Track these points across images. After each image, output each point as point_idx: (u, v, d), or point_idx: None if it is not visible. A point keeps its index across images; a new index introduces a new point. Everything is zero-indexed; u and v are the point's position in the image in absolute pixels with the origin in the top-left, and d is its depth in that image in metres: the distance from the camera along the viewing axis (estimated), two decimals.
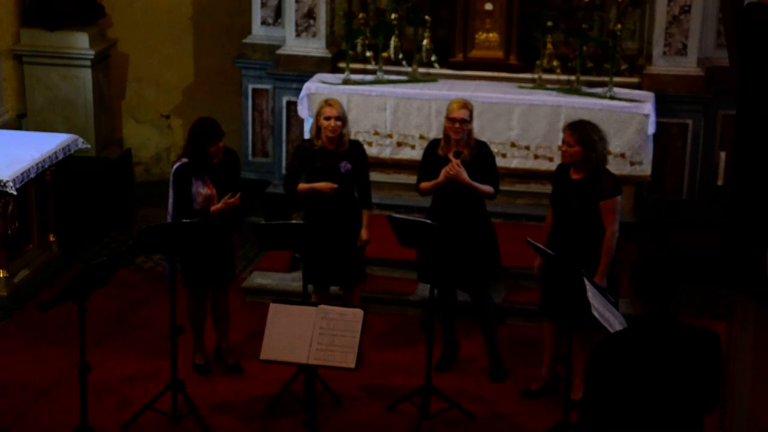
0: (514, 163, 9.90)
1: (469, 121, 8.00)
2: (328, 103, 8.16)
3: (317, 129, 8.16)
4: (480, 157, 8.06)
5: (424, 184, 8.17)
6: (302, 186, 8.19)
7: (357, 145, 8.35)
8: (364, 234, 8.24)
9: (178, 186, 8.00)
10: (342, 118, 8.13)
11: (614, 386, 5.16)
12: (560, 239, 7.71)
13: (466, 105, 8.04)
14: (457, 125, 7.97)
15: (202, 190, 7.97)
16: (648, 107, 9.85)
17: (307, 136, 10.17)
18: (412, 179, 10.25)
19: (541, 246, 7.46)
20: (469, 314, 8.51)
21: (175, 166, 8.07)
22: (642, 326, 5.23)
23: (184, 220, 7.76)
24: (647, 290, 5.21)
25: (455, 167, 7.90)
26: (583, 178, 7.67)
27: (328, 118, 8.08)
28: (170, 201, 8.05)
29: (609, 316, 6.30)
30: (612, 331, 5.91)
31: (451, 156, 7.99)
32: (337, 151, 8.13)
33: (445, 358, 8.43)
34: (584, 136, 7.62)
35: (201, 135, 7.95)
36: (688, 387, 5.18)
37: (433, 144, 8.23)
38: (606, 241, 7.62)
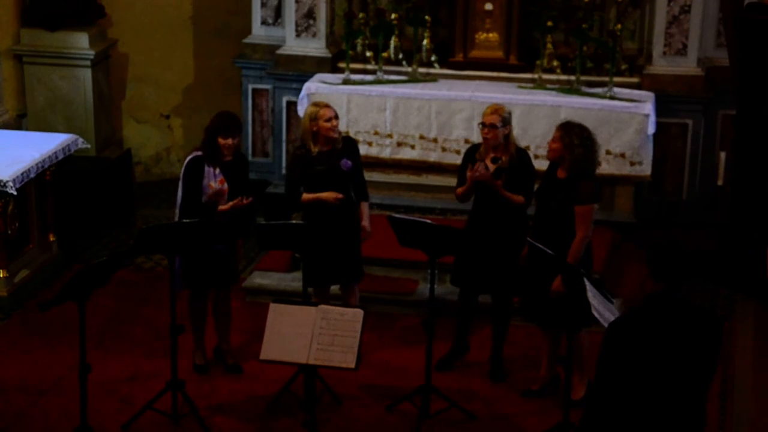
0: None
1: (499, 126, 8.00)
2: (320, 105, 8.14)
3: (313, 134, 8.12)
4: (519, 165, 8.05)
5: (459, 189, 8.17)
6: (306, 196, 8.13)
7: (349, 141, 8.37)
8: (367, 225, 8.25)
9: (188, 178, 8.00)
10: (337, 116, 8.15)
11: (623, 363, 5.32)
12: (538, 236, 7.70)
13: (497, 110, 8.03)
14: (486, 130, 7.99)
15: (213, 183, 7.98)
16: (648, 107, 9.85)
17: None
18: (412, 179, 10.34)
19: (541, 246, 7.46)
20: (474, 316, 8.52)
21: (187, 158, 8.07)
22: (652, 305, 5.38)
23: (185, 220, 7.77)
24: (661, 269, 5.37)
25: (479, 170, 7.90)
26: (565, 179, 7.70)
27: (329, 120, 8.06)
28: (179, 194, 8.05)
29: (609, 317, 6.30)
30: None
31: (488, 162, 8.00)
32: (334, 151, 8.13)
33: (449, 358, 8.42)
34: (565, 135, 7.66)
35: (217, 126, 7.98)
36: (691, 363, 5.34)
37: (473, 149, 8.24)
38: (573, 245, 7.62)
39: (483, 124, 8.03)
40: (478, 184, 7.99)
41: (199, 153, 8.03)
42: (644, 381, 5.32)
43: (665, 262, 5.37)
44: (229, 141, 7.98)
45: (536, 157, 9.99)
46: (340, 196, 8.05)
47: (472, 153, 8.19)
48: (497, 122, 8.00)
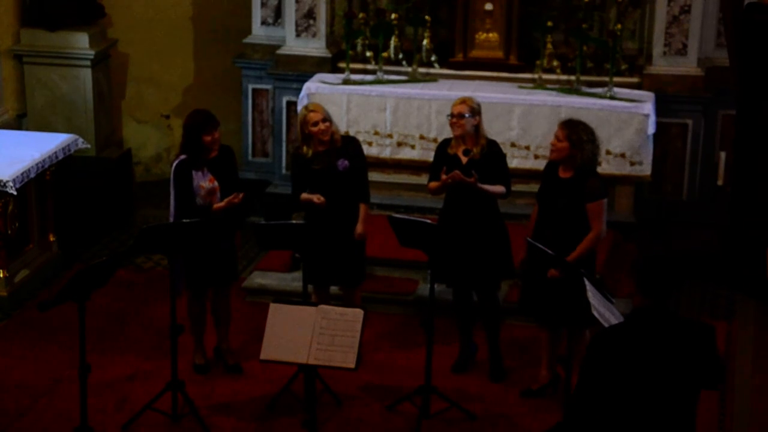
0: (514, 163, 9.90)
1: (467, 116, 8.00)
2: (309, 109, 8.14)
3: (304, 137, 8.12)
4: (490, 156, 8.06)
5: (433, 184, 8.17)
6: (304, 196, 8.17)
7: (352, 141, 8.35)
8: (359, 227, 8.20)
9: (178, 183, 8.00)
10: (327, 118, 8.11)
11: (607, 375, 5.28)
12: (545, 237, 7.69)
13: (465, 101, 8.06)
14: (454, 120, 8.00)
15: (203, 183, 7.98)
16: (648, 107, 9.85)
17: None
18: (412, 179, 10.34)
19: (541, 246, 7.46)
20: (473, 314, 8.51)
21: (174, 164, 8.07)
22: (638, 318, 5.36)
23: (185, 220, 7.77)
24: (648, 283, 5.34)
25: (454, 176, 7.89)
26: (571, 178, 7.69)
27: (315, 124, 8.05)
28: (172, 199, 8.05)
29: (609, 317, 6.30)
30: None
31: (460, 154, 8.01)
32: (332, 151, 8.12)
33: (462, 360, 8.43)
34: (573, 133, 7.64)
35: (195, 126, 7.97)
36: (679, 377, 5.30)
37: (444, 143, 8.26)
38: (587, 239, 7.63)
39: (451, 115, 8.04)
40: (457, 183, 7.97)
41: (183, 156, 8.03)
42: (626, 394, 5.29)
43: (652, 278, 5.34)
44: (214, 135, 7.98)
45: (536, 157, 10.03)
46: (322, 199, 8.03)
47: (444, 147, 8.20)
48: (465, 111, 8.00)
